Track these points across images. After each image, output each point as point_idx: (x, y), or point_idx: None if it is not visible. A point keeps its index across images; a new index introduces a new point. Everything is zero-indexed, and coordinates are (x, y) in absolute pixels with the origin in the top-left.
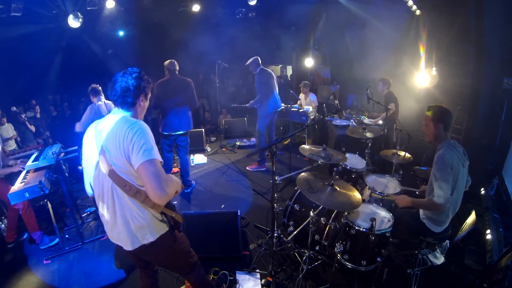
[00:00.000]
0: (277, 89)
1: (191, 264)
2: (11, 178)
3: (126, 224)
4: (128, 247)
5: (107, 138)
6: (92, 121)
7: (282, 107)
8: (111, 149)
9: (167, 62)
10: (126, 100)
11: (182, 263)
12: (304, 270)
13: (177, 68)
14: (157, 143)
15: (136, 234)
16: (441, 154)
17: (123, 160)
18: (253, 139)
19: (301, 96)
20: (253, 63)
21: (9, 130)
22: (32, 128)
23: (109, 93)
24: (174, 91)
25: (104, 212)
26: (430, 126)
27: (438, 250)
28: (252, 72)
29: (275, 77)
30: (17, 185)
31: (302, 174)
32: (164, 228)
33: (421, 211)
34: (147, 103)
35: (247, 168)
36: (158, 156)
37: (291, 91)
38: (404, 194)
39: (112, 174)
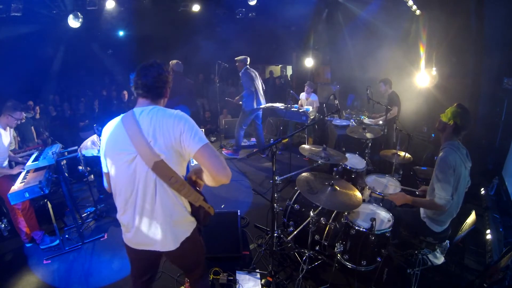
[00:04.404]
0: (260, 88)
1: (205, 269)
2: (12, 178)
3: (168, 222)
4: (169, 246)
5: (153, 128)
6: None
7: (282, 107)
8: (160, 138)
9: (173, 62)
10: (158, 91)
11: (202, 262)
12: (304, 270)
13: (182, 69)
14: None
15: (178, 230)
16: (444, 156)
17: (174, 147)
18: (253, 139)
19: (302, 95)
20: (241, 62)
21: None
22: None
23: (136, 84)
24: (176, 91)
25: (136, 216)
26: (441, 122)
27: (438, 250)
28: (238, 70)
29: (259, 78)
30: (17, 185)
31: (302, 174)
32: (194, 222)
33: (421, 211)
34: (167, 96)
35: (223, 151)
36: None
37: (291, 91)
38: (402, 193)
39: (159, 165)
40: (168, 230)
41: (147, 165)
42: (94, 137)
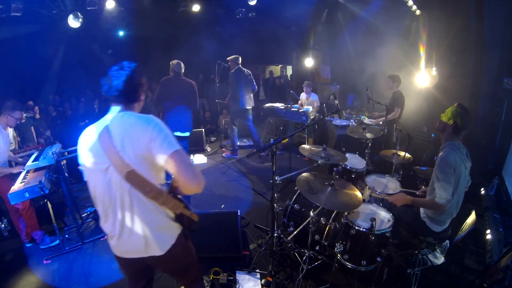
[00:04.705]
0: (248, 89)
1: (199, 272)
2: (12, 177)
3: (148, 230)
4: (153, 253)
5: (121, 137)
6: None
7: (282, 107)
8: (129, 147)
9: (174, 62)
10: (130, 96)
11: (194, 266)
12: (304, 270)
13: (183, 70)
14: None
15: (160, 237)
16: (444, 156)
17: (145, 156)
18: None
19: (303, 96)
20: (233, 61)
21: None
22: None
23: (106, 89)
24: (176, 91)
25: (116, 224)
26: (441, 122)
27: (438, 250)
28: (230, 68)
29: (251, 78)
30: (17, 185)
31: (302, 174)
32: (178, 228)
33: (421, 211)
34: (143, 99)
35: (223, 154)
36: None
37: (291, 91)
38: (402, 193)
39: (131, 175)
40: (150, 238)
41: (120, 175)
42: None
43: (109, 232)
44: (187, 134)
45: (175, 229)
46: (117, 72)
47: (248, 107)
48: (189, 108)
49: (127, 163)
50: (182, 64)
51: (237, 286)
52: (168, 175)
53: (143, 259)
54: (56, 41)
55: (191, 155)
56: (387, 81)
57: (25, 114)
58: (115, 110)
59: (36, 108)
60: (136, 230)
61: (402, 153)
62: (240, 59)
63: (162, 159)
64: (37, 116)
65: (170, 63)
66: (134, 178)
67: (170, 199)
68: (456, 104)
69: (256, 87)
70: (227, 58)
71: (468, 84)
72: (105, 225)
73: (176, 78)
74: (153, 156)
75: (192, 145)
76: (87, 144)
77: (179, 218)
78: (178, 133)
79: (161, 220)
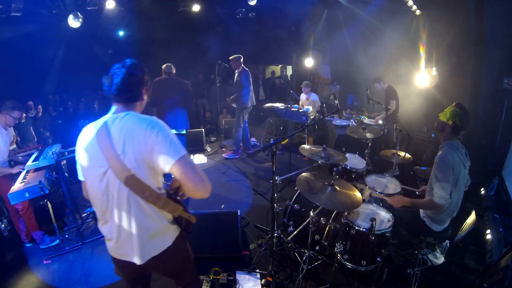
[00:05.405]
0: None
1: (195, 274)
2: (12, 177)
3: (145, 234)
4: (149, 256)
5: (122, 140)
6: None
7: (282, 107)
8: (129, 151)
9: (164, 66)
10: (130, 94)
11: (190, 268)
12: (304, 270)
13: (174, 71)
14: None
15: (157, 241)
16: (443, 155)
17: (146, 161)
18: (253, 139)
19: (302, 96)
20: (237, 61)
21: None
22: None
23: (107, 87)
24: (170, 90)
25: (114, 227)
26: (440, 122)
27: (438, 250)
28: (234, 68)
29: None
30: (17, 185)
31: (302, 174)
32: (176, 230)
33: (421, 210)
34: (146, 99)
35: (223, 155)
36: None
37: (291, 91)
38: (400, 195)
39: (131, 180)
40: (147, 242)
41: (119, 179)
42: None
43: (106, 234)
44: (183, 132)
45: (173, 232)
46: (118, 70)
47: (252, 105)
48: (183, 107)
49: (127, 168)
50: (172, 66)
51: (237, 286)
52: (166, 176)
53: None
54: (56, 41)
55: (191, 155)
56: (375, 86)
57: (25, 114)
58: (116, 109)
59: (40, 107)
60: (133, 234)
61: (402, 153)
62: (242, 58)
63: (168, 165)
64: (40, 115)
65: (162, 67)
66: (133, 183)
67: (169, 202)
68: (454, 104)
69: None
70: (230, 58)
71: (468, 84)
72: (103, 227)
73: (168, 78)
74: (155, 161)
75: (192, 145)
76: (85, 144)
77: (177, 220)
78: (173, 131)
79: (157, 224)
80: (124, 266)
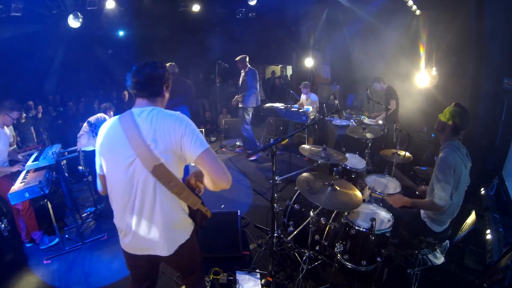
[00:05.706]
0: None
1: (202, 273)
2: (12, 177)
3: (168, 225)
4: (169, 249)
5: (153, 131)
6: None
7: (282, 107)
8: (160, 141)
9: (167, 65)
10: (153, 90)
11: (199, 265)
12: (304, 270)
13: (177, 70)
14: None
15: (177, 233)
16: (444, 156)
17: (174, 151)
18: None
19: (302, 97)
20: (243, 61)
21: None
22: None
23: (130, 83)
24: (173, 91)
25: (134, 220)
26: (440, 123)
27: (438, 250)
28: (240, 68)
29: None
30: (17, 185)
31: (302, 174)
32: (192, 225)
33: (422, 210)
34: (167, 96)
35: (249, 158)
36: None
37: (291, 91)
38: (400, 194)
39: (159, 169)
40: (168, 233)
41: (147, 168)
42: (84, 129)
43: (124, 228)
44: None
45: (190, 226)
46: (140, 67)
47: (257, 105)
48: (187, 107)
49: (157, 156)
50: (176, 65)
51: (237, 286)
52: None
53: (155, 256)
54: (56, 41)
55: None
56: (375, 86)
57: (25, 114)
58: (140, 104)
59: (40, 107)
60: (154, 226)
61: (402, 153)
62: (248, 58)
63: (193, 156)
64: (40, 115)
65: (166, 65)
66: (161, 172)
67: (191, 194)
68: (453, 104)
69: None
70: (236, 59)
71: (468, 84)
72: (121, 220)
73: (174, 79)
74: (183, 152)
75: None
76: (110, 137)
77: (193, 215)
78: None
79: (179, 216)
80: (141, 260)
